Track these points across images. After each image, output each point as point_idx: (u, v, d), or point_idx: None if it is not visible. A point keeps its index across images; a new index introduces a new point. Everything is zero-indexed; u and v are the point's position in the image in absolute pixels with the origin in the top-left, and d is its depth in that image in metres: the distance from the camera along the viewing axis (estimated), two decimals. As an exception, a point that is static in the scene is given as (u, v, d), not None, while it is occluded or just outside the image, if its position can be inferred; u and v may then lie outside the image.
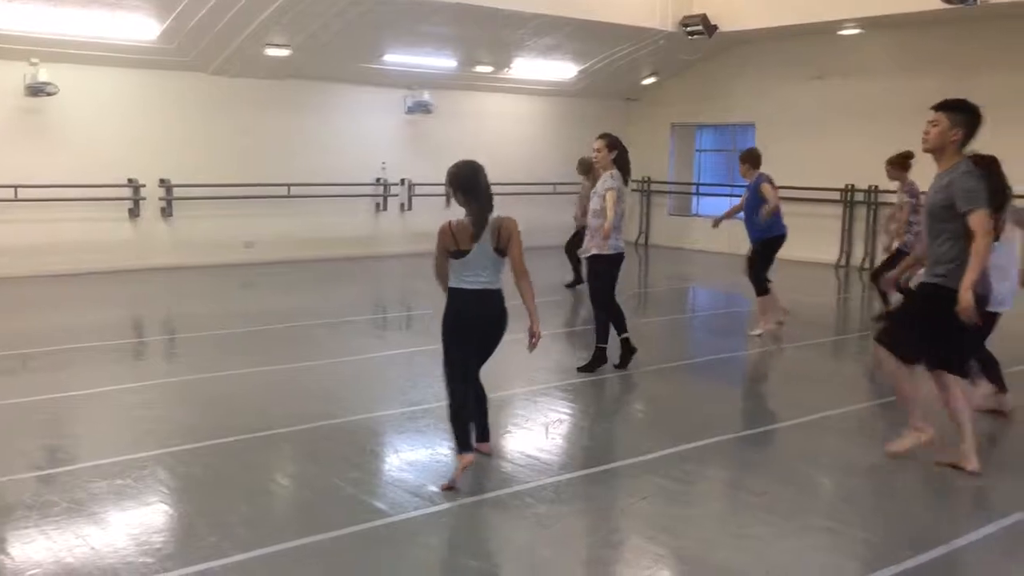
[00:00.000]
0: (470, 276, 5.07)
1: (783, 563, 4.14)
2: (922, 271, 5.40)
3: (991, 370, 6.31)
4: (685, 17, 14.48)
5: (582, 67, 16.23)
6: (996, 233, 5.37)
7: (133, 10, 11.42)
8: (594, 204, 7.48)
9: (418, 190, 15.31)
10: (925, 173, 6.77)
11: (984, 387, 6.40)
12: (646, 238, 18.42)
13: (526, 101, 17.08)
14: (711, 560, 4.16)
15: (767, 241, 9.14)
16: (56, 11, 11.06)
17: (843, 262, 15.15)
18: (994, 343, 6.19)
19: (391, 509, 4.66)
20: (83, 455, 5.47)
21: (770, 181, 9.02)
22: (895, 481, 5.38)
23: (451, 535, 4.47)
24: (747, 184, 9.28)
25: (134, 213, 13.03)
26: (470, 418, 5.25)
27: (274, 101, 14.04)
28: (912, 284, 5.53)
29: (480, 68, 15.28)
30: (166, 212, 13.28)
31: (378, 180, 15.31)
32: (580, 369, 7.66)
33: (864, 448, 5.79)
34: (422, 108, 15.24)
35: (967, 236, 4.95)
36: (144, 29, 11.81)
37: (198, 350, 8.40)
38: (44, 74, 11.74)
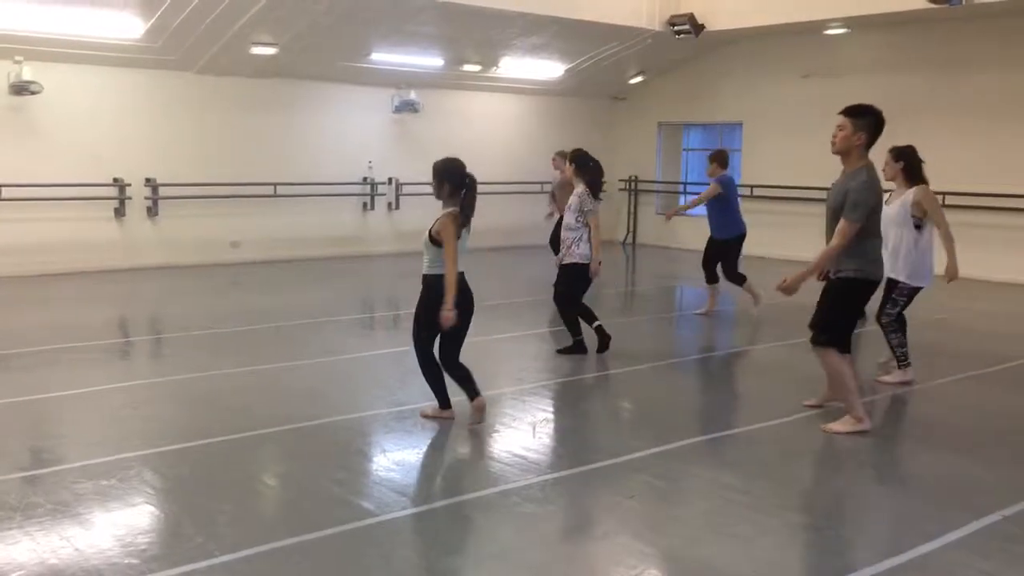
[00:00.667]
0: (461, 261, 5.72)
1: (768, 560, 4.16)
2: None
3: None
4: (672, 16, 14.51)
5: (569, 66, 16.24)
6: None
7: (118, 9, 11.36)
8: (568, 218, 8.01)
9: (405, 189, 15.29)
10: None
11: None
12: (633, 237, 18.45)
13: (513, 100, 17.08)
14: (697, 557, 4.17)
15: (730, 241, 10.11)
16: (41, 9, 10.99)
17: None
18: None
19: (378, 509, 4.65)
20: (68, 456, 5.43)
21: (724, 183, 10.00)
22: (879, 479, 5.42)
23: (438, 535, 4.47)
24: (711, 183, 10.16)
25: (120, 213, 12.96)
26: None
27: (260, 100, 13.99)
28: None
29: (467, 67, 15.27)
30: (152, 211, 13.22)
31: (365, 179, 15.28)
32: (560, 351, 8.19)
33: (849, 446, 5.81)
34: (409, 107, 15.22)
35: (873, 233, 5.66)
36: (129, 27, 11.74)
37: (184, 350, 8.36)
38: (28, 72, 11.67)
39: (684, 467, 5.41)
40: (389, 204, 15.52)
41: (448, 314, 5.62)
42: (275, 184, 14.03)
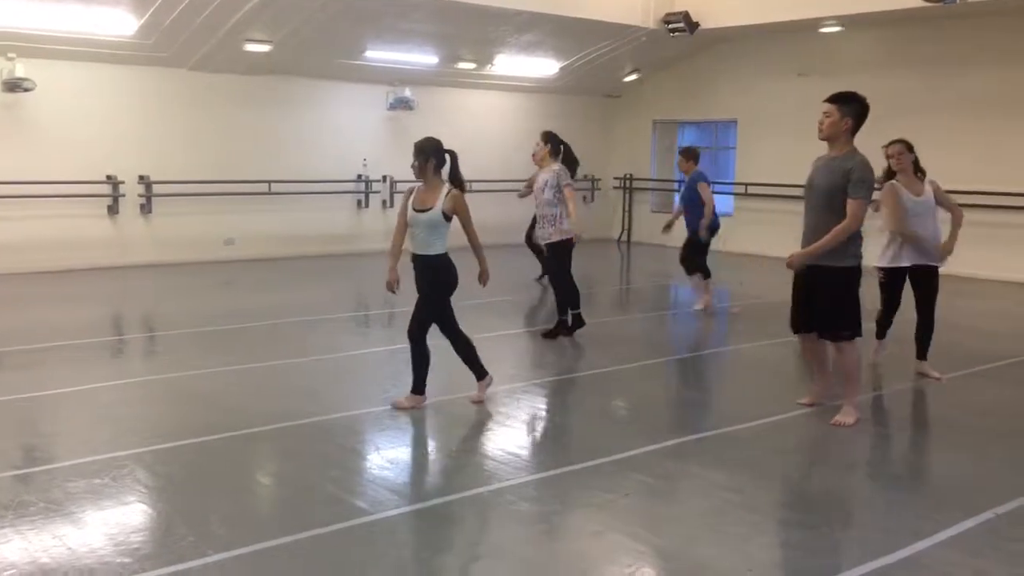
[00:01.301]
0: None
1: (762, 559, 4.15)
2: None
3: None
4: (667, 14, 14.50)
5: (564, 64, 16.22)
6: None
7: (111, 5, 11.32)
8: (547, 195, 8.27)
9: (400, 187, 15.25)
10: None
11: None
12: (628, 235, 18.45)
13: (508, 98, 17.06)
14: (693, 557, 4.16)
15: (696, 232, 10.20)
16: (34, 6, 10.94)
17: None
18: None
19: (371, 507, 4.64)
20: (60, 454, 5.41)
21: (706, 179, 10.09)
22: (874, 477, 5.42)
23: (432, 533, 4.46)
24: (684, 179, 10.38)
25: (113, 210, 12.92)
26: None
27: (254, 97, 13.96)
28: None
29: (462, 64, 15.25)
30: (145, 209, 13.17)
31: (359, 177, 15.25)
32: (544, 335, 8.59)
33: (845, 444, 5.82)
34: (404, 104, 15.19)
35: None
36: (122, 24, 11.69)
37: (178, 348, 8.34)
38: (21, 69, 11.62)
39: (678, 465, 5.40)
40: (383, 202, 15.49)
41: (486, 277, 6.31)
42: (269, 182, 13.99)
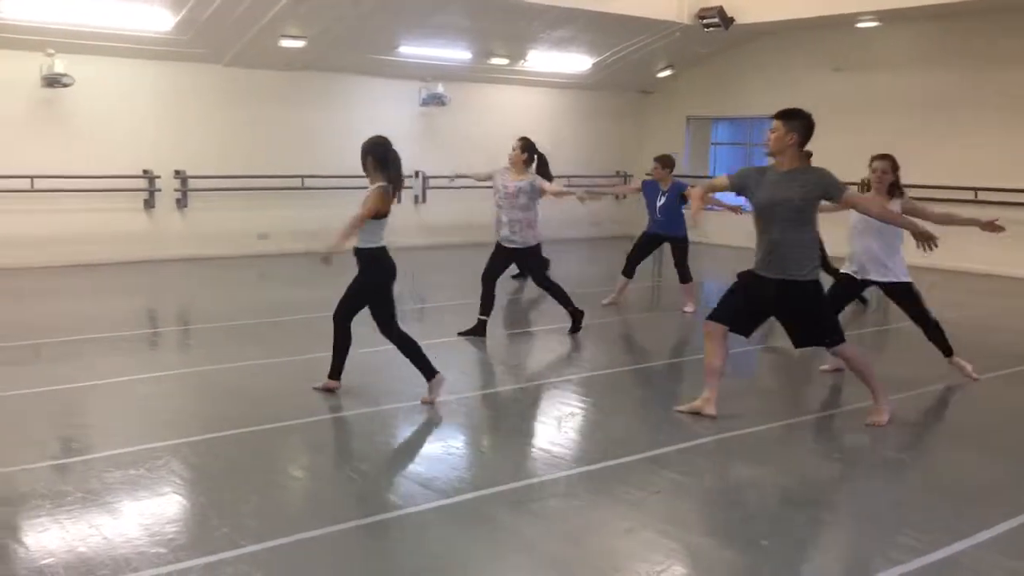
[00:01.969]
0: (384, 235, 6.30)
1: (795, 559, 4.12)
2: None
3: None
4: (702, 9, 14.38)
5: (597, 59, 16.16)
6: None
7: (148, 1, 11.44)
8: (521, 200, 8.31)
9: (432, 183, 15.28)
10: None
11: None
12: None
13: (541, 94, 17.03)
14: (723, 556, 4.14)
15: (686, 237, 10.30)
16: (73, 2, 11.09)
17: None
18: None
19: (402, 501, 4.66)
20: (97, 445, 5.48)
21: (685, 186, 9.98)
22: (908, 478, 5.35)
23: (463, 528, 4.46)
24: (663, 190, 10.20)
25: (149, 204, 13.07)
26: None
27: (288, 93, 14.05)
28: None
29: (495, 60, 15.24)
30: (181, 203, 13.31)
31: (391, 172, 15.27)
32: (571, 332, 8.58)
33: (878, 444, 5.75)
34: (436, 100, 15.22)
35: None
36: (159, 20, 11.82)
37: (212, 341, 8.42)
38: (60, 65, 11.77)
39: (711, 463, 5.37)
40: (415, 197, 15.52)
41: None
42: (303, 176, 14.08)
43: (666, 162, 10.26)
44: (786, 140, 5.83)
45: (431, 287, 11.49)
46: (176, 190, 13.24)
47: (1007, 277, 12.57)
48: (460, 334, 8.39)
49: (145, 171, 12.95)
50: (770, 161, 5.94)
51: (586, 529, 4.48)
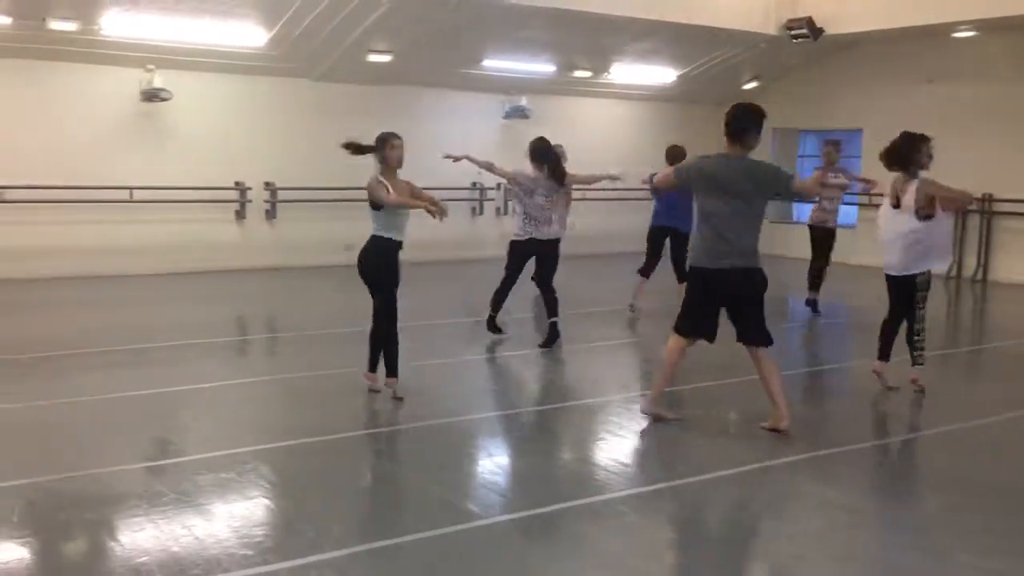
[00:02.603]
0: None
1: None
2: None
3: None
4: (789, 20, 14.14)
5: (681, 72, 16.05)
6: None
7: (242, 18, 11.82)
8: (538, 199, 8.76)
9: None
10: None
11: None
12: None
13: (624, 106, 16.99)
14: (801, 574, 4.06)
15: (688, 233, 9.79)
16: (170, 20, 11.52)
17: (954, 273, 14.60)
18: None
19: (482, 511, 4.70)
20: (191, 448, 5.67)
21: None
22: (991, 498, 5.16)
23: (541, 540, 4.48)
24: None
25: (240, 215, 13.47)
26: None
27: (374, 106, 14.29)
28: None
29: (578, 73, 15.26)
30: (270, 214, 13.68)
31: (474, 184, 15.44)
32: (541, 346, 8.42)
33: (959, 464, 5.55)
34: (519, 113, 15.31)
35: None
36: (253, 36, 12.20)
37: (300, 349, 8.63)
38: (159, 80, 12.24)
39: (792, 482, 5.28)
40: (497, 209, 15.64)
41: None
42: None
43: (673, 154, 10.07)
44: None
45: (517, 299, 11.54)
46: (266, 201, 13.61)
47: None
48: (540, 346, 8.44)
49: (237, 183, 13.35)
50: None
51: (665, 544, 4.47)
